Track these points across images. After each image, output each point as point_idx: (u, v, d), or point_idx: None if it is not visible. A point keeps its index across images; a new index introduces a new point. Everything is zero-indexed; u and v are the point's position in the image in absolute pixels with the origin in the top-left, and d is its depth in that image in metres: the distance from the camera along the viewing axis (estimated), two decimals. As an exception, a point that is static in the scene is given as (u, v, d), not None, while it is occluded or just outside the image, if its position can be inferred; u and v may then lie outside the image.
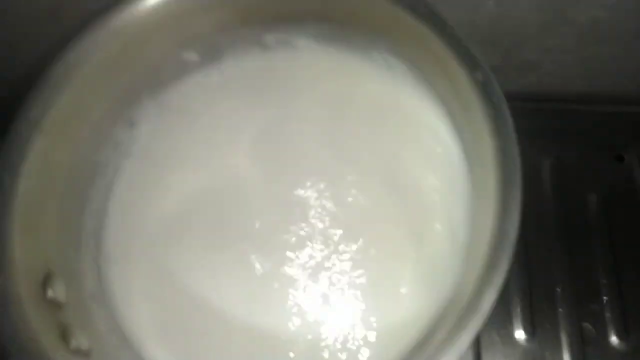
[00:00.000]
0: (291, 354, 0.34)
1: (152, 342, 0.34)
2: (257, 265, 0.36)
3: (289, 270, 0.36)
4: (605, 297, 0.43)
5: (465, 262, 0.32)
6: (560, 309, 0.43)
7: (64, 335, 0.29)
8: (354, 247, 0.36)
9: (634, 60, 0.47)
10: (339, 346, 0.34)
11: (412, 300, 0.35)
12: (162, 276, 0.36)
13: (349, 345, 0.34)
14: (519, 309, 0.43)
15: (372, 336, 0.34)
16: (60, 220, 0.33)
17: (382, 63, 0.38)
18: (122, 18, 0.34)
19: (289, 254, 0.36)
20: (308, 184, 0.38)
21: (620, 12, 0.43)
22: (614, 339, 0.42)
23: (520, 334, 0.42)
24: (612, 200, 0.47)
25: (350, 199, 0.38)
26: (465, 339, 0.26)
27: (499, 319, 0.43)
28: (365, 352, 0.34)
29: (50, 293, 0.30)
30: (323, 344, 0.34)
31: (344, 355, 0.34)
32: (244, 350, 0.35)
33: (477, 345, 0.42)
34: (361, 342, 0.34)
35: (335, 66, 0.39)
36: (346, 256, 0.36)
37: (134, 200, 0.38)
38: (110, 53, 0.34)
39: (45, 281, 0.30)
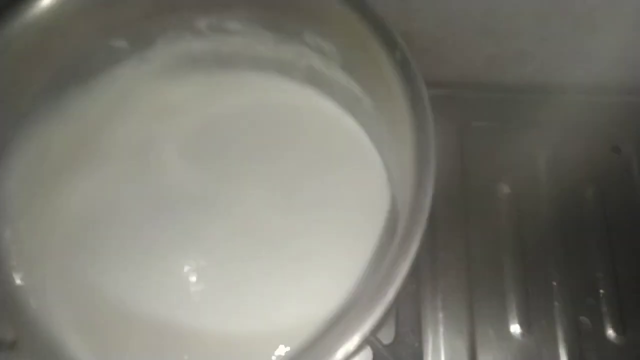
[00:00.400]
0: (206, 350, 0.35)
1: (72, 339, 0.35)
2: (175, 265, 0.37)
3: (206, 267, 0.37)
4: (601, 291, 0.43)
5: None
6: (556, 303, 0.43)
7: None
8: (281, 232, 0.38)
9: (631, 50, 0.47)
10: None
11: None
12: (76, 276, 0.37)
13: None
14: (514, 304, 0.43)
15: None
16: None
17: (312, 44, 0.38)
18: (44, 5, 0.33)
19: (208, 252, 0.38)
20: (231, 183, 0.39)
21: (618, 1, 0.42)
22: (610, 333, 0.42)
23: (515, 329, 0.42)
24: (608, 192, 0.46)
25: (270, 197, 0.39)
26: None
27: (494, 313, 0.42)
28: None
29: None
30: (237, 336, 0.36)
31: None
32: (161, 347, 0.35)
33: (472, 341, 0.42)
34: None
35: (264, 52, 0.40)
36: (275, 242, 0.38)
37: (46, 197, 0.38)
38: (32, 41, 0.33)
39: None
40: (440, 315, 0.42)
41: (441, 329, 0.42)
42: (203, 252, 0.38)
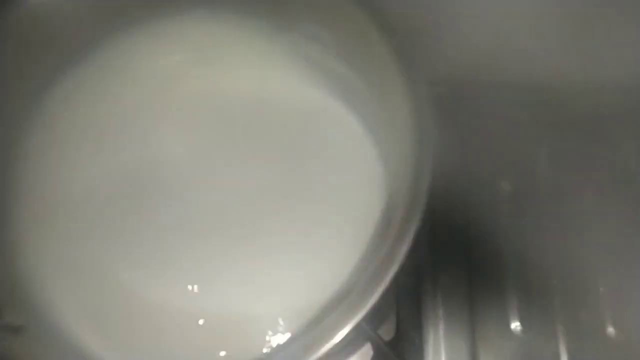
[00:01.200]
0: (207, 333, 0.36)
1: (79, 326, 0.35)
2: (180, 246, 0.38)
3: (211, 247, 0.38)
4: (601, 288, 0.43)
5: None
6: (556, 301, 0.43)
7: None
8: (276, 220, 0.38)
9: (631, 48, 0.46)
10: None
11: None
12: (82, 260, 0.37)
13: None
14: (514, 301, 0.42)
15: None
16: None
17: (309, 35, 0.38)
18: None
19: (213, 231, 0.38)
20: (233, 164, 0.40)
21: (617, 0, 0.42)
22: (610, 331, 0.42)
23: (516, 326, 0.42)
24: (608, 190, 0.46)
25: (269, 180, 0.39)
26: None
27: (495, 311, 0.42)
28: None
29: None
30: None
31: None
32: (173, 332, 0.36)
33: (472, 338, 0.42)
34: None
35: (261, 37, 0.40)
36: (270, 228, 0.38)
37: (44, 177, 0.38)
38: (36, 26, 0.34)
39: None
40: (441, 312, 0.42)
41: (441, 326, 0.42)
42: (201, 237, 0.38)
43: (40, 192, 0.38)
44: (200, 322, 0.36)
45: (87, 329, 0.35)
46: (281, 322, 0.36)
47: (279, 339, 0.36)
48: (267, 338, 0.36)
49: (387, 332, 0.41)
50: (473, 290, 0.43)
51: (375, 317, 0.40)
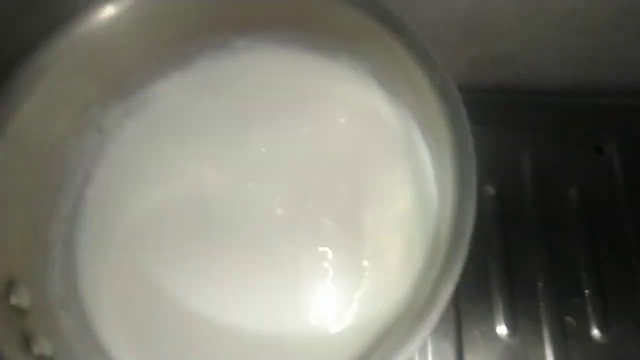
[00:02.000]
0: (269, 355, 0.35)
1: (122, 347, 0.35)
2: (230, 267, 0.37)
3: (260, 269, 0.37)
4: (586, 291, 0.43)
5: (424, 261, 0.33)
6: (541, 304, 0.43)
7: (27, 340, 0.29)
8: (320, 247, 0.37)
9: (611, 51, 0.47)
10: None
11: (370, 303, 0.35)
12: (134, 281, 0.36)
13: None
14: (500, 305, 0.43)
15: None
16: (25, 226, 0.33)
17: (348, 65, 0.38)
18: (89, 24, 0.34)
19: (259, 253, 0.37)
20: (273, 191, 0.39)
21: (597, 2, 0.42)
22: (595, 332, 0.42)
23: (502, 330, 0.42)
24: (592, 193, 0.46)
25: (313, 205, 0.38)
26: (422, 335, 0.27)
27: (480, 315, 0.42)
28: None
29: (13, 300, 0.30)
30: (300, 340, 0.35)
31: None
32: (218, 354, 0.35)
33: (458, 342, 0.42)
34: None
35: (302, 69, 0.39)
36: (313, 255, 0.37)
37: (106, 206, 0.38)
38: (76, 59, 0.34)
39: (8, 287, 0.30)
40: (427, 317, 0.42)
41: (428, 331, 0.42)
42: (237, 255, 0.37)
43: (101, 220, 0.38)
44: (241, 340, 0.35)
45: (131, 354, 0.35)
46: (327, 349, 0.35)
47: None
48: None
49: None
50: (459, 294, 0.43)
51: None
